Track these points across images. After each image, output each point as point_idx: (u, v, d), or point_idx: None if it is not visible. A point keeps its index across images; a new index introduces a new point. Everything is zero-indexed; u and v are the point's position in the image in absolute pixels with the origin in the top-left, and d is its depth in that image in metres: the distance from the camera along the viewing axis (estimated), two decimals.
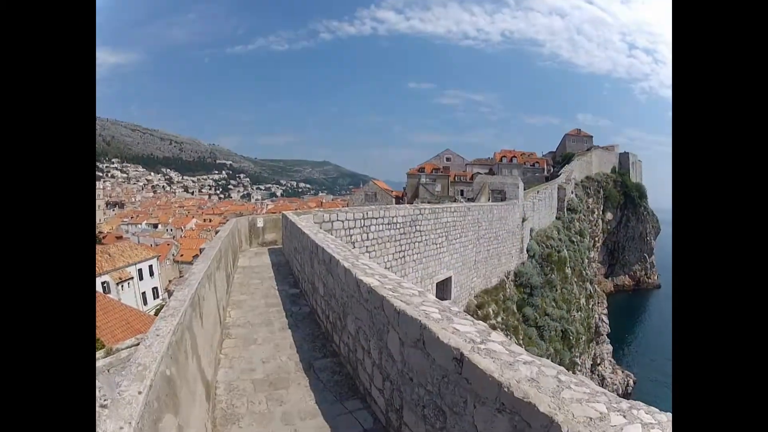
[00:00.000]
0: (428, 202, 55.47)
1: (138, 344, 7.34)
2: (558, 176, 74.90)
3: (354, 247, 16.46)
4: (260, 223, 22.82)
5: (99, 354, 12.43)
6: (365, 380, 5.59)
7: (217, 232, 17.22)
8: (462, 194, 71.96)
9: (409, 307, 3.99)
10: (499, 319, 31.27)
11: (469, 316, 3.92)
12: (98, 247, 61.29)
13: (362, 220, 17.06)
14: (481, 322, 3.79)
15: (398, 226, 19.15)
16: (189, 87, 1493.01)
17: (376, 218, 17.76)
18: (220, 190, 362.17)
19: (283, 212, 18.52)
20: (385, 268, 9.54)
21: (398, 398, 4.33)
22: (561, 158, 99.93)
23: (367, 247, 17.26)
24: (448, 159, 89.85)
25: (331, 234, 15.09)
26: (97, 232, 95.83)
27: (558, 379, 2.73)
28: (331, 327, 7.61)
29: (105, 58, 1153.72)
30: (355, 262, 6.45)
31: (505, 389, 2.64)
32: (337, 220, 16.07)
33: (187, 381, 4.12)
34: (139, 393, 2.77)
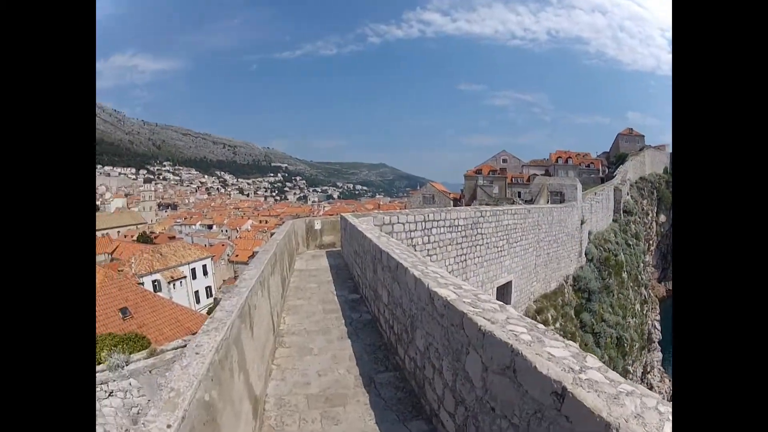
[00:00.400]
0: (486, 204, 55.25)
1: (185, 345, 6.97)
2: (613, 177, 73.64)
3: (415, 250, 16.26)
4: (318, 225, 22.64)
5: (142, 355, 12.54)
6: (433, 401, 5.09)
7: (272, 234, 17.05)
8: (519, 196, 71.12)
9: (496, 327, 3.45)
10: (558, 324, 31.01)
11: (558, 336, 3.42)
12: (149, 247, 64.00)
13: (423, 223, 16.87)
14: (571, 342, 3.28)
15: (459, 229, 19.04)
16: (238, 92, 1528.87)
17: (437, 221, 17.56)
18: (276, 192, 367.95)
19: (342, 214, 18.25)
20: (447, 271, 9.18)
21: (473, 427, 3.84)
22: (615, 159, 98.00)
23: (428, 250, 17.06)
24: (504, 160, 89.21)
25: (392, 237, 14.60)
26: (147, 231, 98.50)
27: (658, 410, 2.46)
28: (396, 339, 7.11)
29: (147, 65, 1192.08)
30: (425, 269, 5.87)
31: (614, 430, 2.31)
32: (398, 222, 15.87)
33: (231, 401, 3.75)
34: (168, 427, 2.33)
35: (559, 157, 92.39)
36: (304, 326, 9.38)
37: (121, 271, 47.64)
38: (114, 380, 12.26)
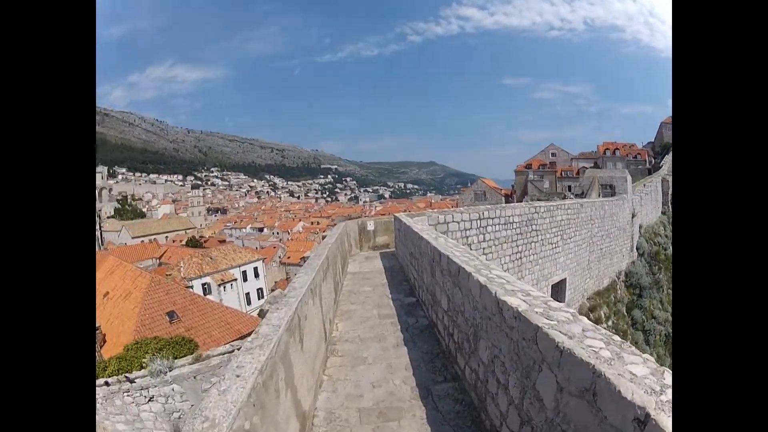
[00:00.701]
0: (538, 200, 54.97)
1: (233, 351, 7.07)
2: (660, 168, 71.29)
3: (471, 249, 15.61)
4: (371, 226, 22.49)
5: (187, 360, 12.44)
6: (494, 417, 4.80)
7: (323, 238, 16.94)
8: (570, 190, 70.56)
9: (575, 344, 3.10)
10: (610, 322, 30.75)
11: (635, 349, 3.11)
12: (199, 251, 65.78)
13: (478, 221, 16.84)
14: (648, 357, 2.99)
15: (514, 226, 19.03)
16: (282, 97, 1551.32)
17: (492, 218, 17.59)
18: (327, 193, 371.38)
19: (395, 214, 18.03)
20: (502, 270, 8.91)
21: None
22: (660, 148, 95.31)
23: (483, 249, 17.04)
24: (553, 154, 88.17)
25: (447, 236, 14.51)
26: (197, 236, 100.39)
27: None
28: (455, 347, 6.79)
29: (186, 74, 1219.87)
30: (489, 274, 5.51)
31: None
32: (453, 221, 15.75)
33: (276, 424, 3.56)
34: None
35: (607, 148, 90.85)
36: (357, 333, 9.20)
37: (169, 275, 48.46)
38: (155, 386, 12.33)
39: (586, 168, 74.01)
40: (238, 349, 3.82)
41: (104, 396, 13.30)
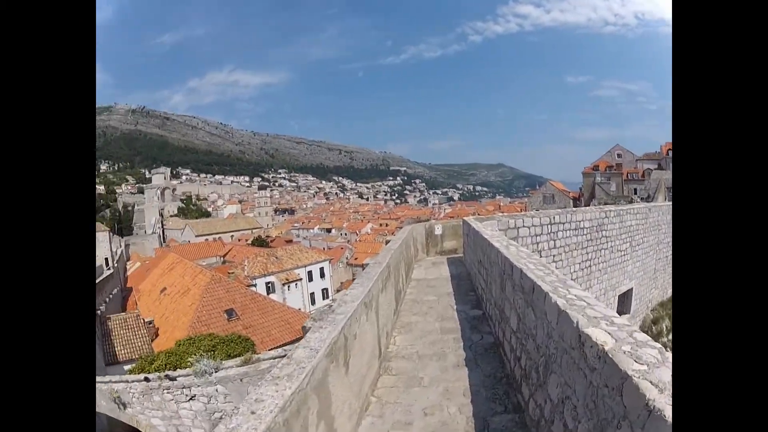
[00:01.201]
0: (605, 203, 55.30)
1: (284, 356, 6.70)
2: None
3: (540, 256, 15.50)
4: (438, 230, 22.03)
5: (235, 362, 12.31)
6: None
7: (387, 242, 16.56)
8: (635, 193, 70.78)
9: (666, 402, 2.39)
10: (671, 336, 28.70)
11: None
12: (264, 250, 67.16)
13: (549, 226, 16.55)
14: None
15: (585, 232, 18.72)
16: (347, 100, 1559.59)
17: (563, 223, 17.28)
18: (396, 195, 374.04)
19: (464, 218, 17.56)
20: (571, 279, 8.22)
21: None
22: None
23: (554, 256, 16.76)
24: (618, 155, 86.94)
25: (517, 242, 14.15)
26: (263, 236, 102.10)
27: None
28: (521, 373, 6.16)
29: (248, 79, 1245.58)
30: (567, 294, 4.69)
31: None
32: (523, 226, 15.49)
33: None
34: None
35: (670, 149, 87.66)
36: (416, 348, 8.73)
37: (231, 273, 49.53)
38: (198, 385, 12.25)
39: (651, 170, 74.13)
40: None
41: (142, 391, 13.41)
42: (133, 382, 13.88)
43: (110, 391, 14.24)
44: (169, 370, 14.13)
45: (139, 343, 28.80)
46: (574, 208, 21.19)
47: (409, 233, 18.10)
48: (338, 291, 66.09)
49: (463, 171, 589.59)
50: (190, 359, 13.43)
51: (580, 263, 18.31)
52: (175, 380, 12.80)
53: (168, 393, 12.96)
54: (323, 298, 63.08)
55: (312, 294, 62.95)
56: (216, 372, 12.13)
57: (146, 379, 13.45)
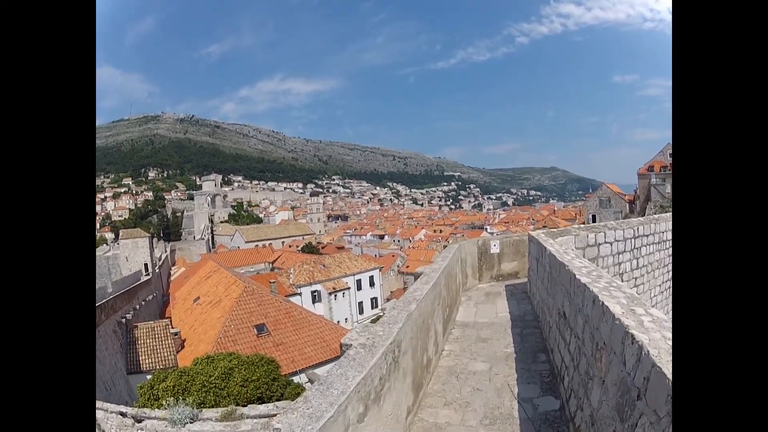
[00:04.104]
0: (661, 206, 57.28)
1: (274, 415, 7.11)
2: None
3: (621, 279, 12.79)
4: (495, 249, 17.04)
5: (216, 414, 10.26)
6: None
7: (444, 247, 12.74)
8: None
9: None
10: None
11: None
12: (313, 258, 66.61)
13: (632, 240, 13.54)
14: None
15: (668, 245, 15.73)
16: (399, 105, 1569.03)
17: (646, 235, 14.42)
18: (450, 201, 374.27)
19: (530, 234, 12.91)
20: (652, 305, 4.63)
21: None
22: None
23: (635, 279, 13.81)
24: (671, 155, 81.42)
25: (597, 263, 11.82)
26: (314, 242, 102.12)
27: None
28: None
29: (300, 87, 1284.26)
30: None
31: None
32: (605, 242, 12.48)
33: None
34: None
35: None
36: None
37: (273, 282, 48.12)
38: None
39: None
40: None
41: (118, 425, 11.02)
42: (111, 412, 11.43)
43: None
44: (178, 391, 12.79)
45: (165, 354, 27.73)
46: (656, 215, 17.15)
47: (457, 252, 13.77)
48: (388, 300, 65.07)
49: (516, 175, 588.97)
50: (168, 399, 11.20)
51: (660, 285, 15.29)
52: (141, 421, 10.60)
53: None
54: (372, 308, 62.46)
55: (360, 303, 61.84)
56: (191, 423, 10.02)
57: (122, 414, 11.21)
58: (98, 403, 12.71)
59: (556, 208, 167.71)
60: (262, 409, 9.98)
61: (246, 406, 12.40)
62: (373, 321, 7.04)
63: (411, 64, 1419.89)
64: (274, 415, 10.15)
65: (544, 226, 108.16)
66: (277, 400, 13.09)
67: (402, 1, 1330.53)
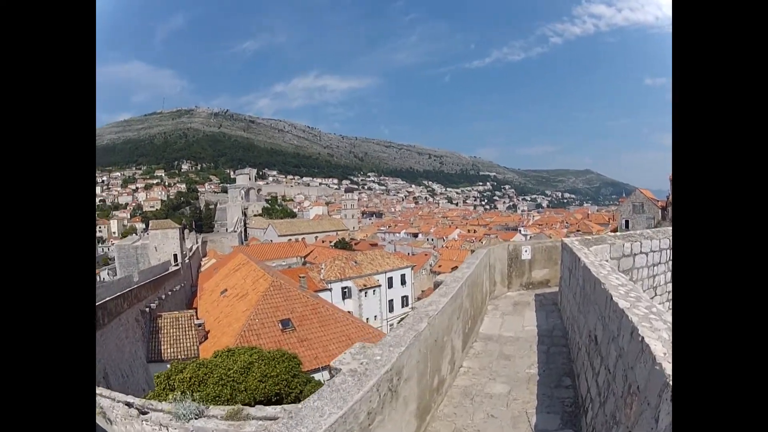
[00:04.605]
0: None
1: (277, 418, 6.06)
2: None
3: (655, 295, 12.51)
4: (526, 255, 16.00)
5: (221, 411, 10.33)
6: None
7: (472, 251, 12.09)
8: None
9: None
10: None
11: None
12: (345, 254, 67.10)
13: (668, 251, 12.84)
14: None
15: None
16: (435, 104, 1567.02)
17: None
18: (485, 201, 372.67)
19: (564, 241, 12.00)
20: None
21: None
22: None
23: (668, 293, 13.16)
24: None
25: (631, 275, 11.41)
26: (347, 238, 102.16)
27: None
28: None
29: (336, 84, 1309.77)
30: None
31: None
32: (641, 252, 11.89)
33: None
34: None
35: None
36: None
37: (303, 277, 47.44)
38: (175, 428, 10.42)
39: None
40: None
41: (123, 415, 11.57)
42: (118, 402, 12.03)
43: (96, 404, 12.27)
44: (194, 383, 13.04)
45: (188, 344, 28.17)
46: None
47: (485, 257, 12.84)
48: (419, 299, 62.73)
49: (551, 177, 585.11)
50: (174, 393, 11.59)
51: None
52: (146, 414, 10.99)
53: (147, 425, 11.00)
54: (402, 306, 62.13)
55: (391, 301, 61.58)
56: (196, 419, 10.21)
57: (128, 405, 11.72)
58: (107, 392, 12.70)
59: (589, 212, 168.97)
60: (270, 411, 9.99)
61: (263, 402, 12.58)
62: (400, 321, 6.41)
63: (446, 63, 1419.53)
64: (276, 418, 9.73)
65: (578, 230, 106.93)
66: (296, 397, 13.19)
67: (433, 0, 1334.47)
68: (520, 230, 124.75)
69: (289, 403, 12.73)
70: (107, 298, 22.41)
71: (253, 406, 11.54)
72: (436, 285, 9.29)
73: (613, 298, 4.92)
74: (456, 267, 13.50)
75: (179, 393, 11.42)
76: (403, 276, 64.29)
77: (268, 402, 12.78)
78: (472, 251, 13.70)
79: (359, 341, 19.52)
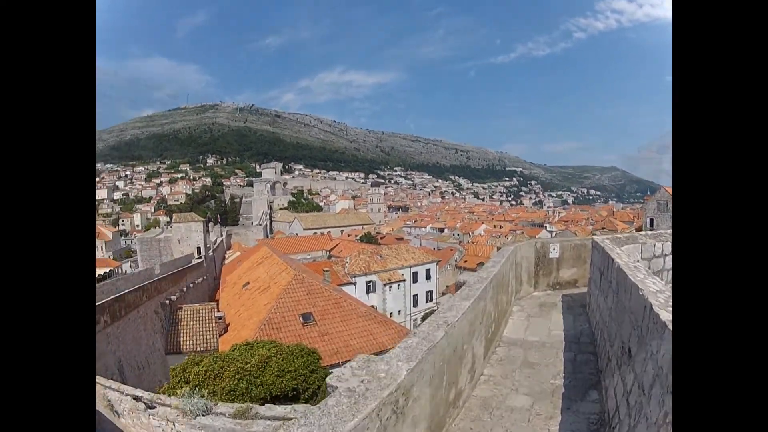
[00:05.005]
0: None
1: (290, 419, 6.67)
2: None
3: None
4: (554, 253, 15.22)
5: (230, 409, 10.21)
6: None
7: (499, 248, 11.68)
8: None
9: None
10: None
11: None
12: (370, 247, 67.84)
13: None
14: None
15: None
16: (461, 99, 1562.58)
17: None
18: (512, 196, 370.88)
19: (595, 239, 11.35)
20: None
21: None
22: None
23: None
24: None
25: (662, 276, 10.68)
26: (373, 232, 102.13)
27: None
28: None
29: (362, 79, 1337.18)
30: None
31: None
32: (671, 252, 10.95)
33: None
34: None
35: None
36: None
37: (327, 270, 48.41)
38: (182, 424, 10.49)
39: None
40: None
41: (131, 408, 11.65)
42: (126, 395, 12.19)
43: (103, 397, 12.60)
44: (210, 376, 13.09)
45: (208, 336, 27.98)
46: None
47: (510, 256, 12.27)
48: (443, 294, 62.69)
49: (577, 173, 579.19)
50: (181, 391, 11.30)
51: None
52: (154, 408, 11.17)
53: (154, 419, 11.19)
54: (426, 301, 62.69)
55: (415, 296, 61.80)
56: (204, 416, 10.17)
57: (136, 398, 11.89)
58: (116, 385, 12.74)
59: (614, 209, 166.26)
60: (279, 410, 9.82)
61: (279, 397, 12.83)
62: (425, 317, 5.88)
63: (471, 57, 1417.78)
64: (290, 418, 9.22)
65: (603, 228, 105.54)
66: (314, 392, 13.16)
67: None
68: (545, 227, 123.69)
69: (306, 399, 12.89)
70: (125, 291, 22.40)
71: (269, 401, 11.83)
72: (458, 285, 8.77)
73: (654, 309, 4.35)
74: (482, 263, 13.00)
75: (189, 388, 11.40)
76: (428, 271, 64.27)
77: (284, 397, 12.78)
78: (498, 248, 13.31)
79: (382, 337, 19.20)
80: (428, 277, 64.14)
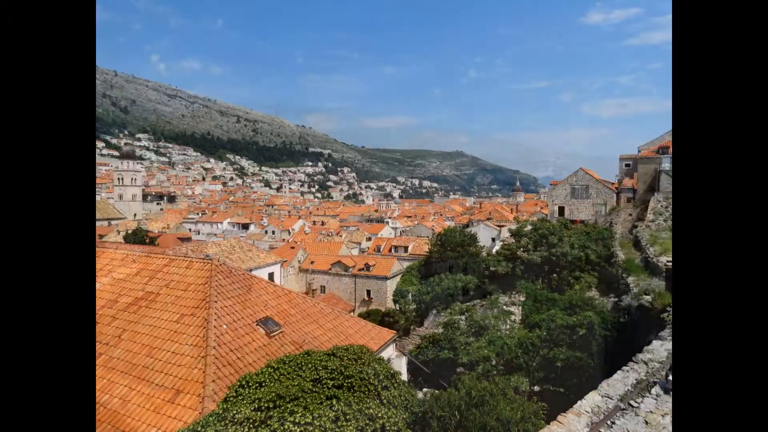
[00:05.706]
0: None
1: None
2: None
3: None
4: None
5: None
6: None
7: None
8: None
9: None
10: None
11: None
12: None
13: None
14: None
15: None
16: (241, 36, 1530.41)
17: None
18: (317, 187, 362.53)
19: None
20: None
21: None
22: None
23: None
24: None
25: None
26: (129, 230, 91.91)
27: None
28: None
29: None
30: None
31: None
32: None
33: None
34: None
35: None
36: None
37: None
38: None
39: None
40: None
41: None
42: None
43: None
44: None
45: None
46: None
47: None
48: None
49: (407, 160, 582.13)
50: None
51: None
52: None
53: None
54: None
55: None
56: None
57: None
58: None
59: (467, 203, 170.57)
60: None
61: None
62: None
63: None
64: None
65: (489, 218, 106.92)
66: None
67: None
68: (388, 222, 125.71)
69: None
70: None
71: None
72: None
73: None
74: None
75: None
76: (271, 275, 61.69)
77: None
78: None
79: (359, 337, 17.39)
80: (271, 280, 61.20)
